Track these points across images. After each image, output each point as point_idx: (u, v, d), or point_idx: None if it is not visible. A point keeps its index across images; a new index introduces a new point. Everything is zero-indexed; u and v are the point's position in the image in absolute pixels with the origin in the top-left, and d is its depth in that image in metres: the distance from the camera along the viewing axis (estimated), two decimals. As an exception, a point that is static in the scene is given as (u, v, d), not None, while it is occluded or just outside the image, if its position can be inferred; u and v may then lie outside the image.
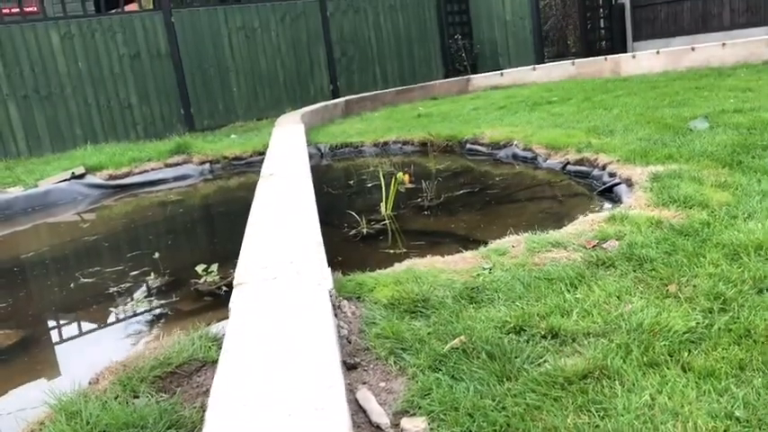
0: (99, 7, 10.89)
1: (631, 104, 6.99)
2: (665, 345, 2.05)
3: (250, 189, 4.67)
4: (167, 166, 7.88)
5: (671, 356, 2.00)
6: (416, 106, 10.34)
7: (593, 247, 2.99)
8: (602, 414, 1.76)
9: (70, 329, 3.58)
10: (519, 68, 11.93)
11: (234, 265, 2.92)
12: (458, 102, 10.22)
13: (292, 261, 2.83)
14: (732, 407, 1.73)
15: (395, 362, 2.19)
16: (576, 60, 11.51)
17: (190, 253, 4.95)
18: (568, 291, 2.55)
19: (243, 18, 11.35)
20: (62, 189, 7.07)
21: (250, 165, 7.83)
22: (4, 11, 10.26)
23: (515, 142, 6.29)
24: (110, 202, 6.97)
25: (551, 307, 2.41)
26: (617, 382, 1.89)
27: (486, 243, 3.32)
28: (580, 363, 2.01)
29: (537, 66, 11.81)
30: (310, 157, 6.67)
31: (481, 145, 6.75)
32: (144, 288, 3.93)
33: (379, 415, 1.90)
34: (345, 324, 2.52)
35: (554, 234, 3.24)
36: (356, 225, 4.47)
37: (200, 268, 3.71)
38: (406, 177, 5.13)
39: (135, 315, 3.54)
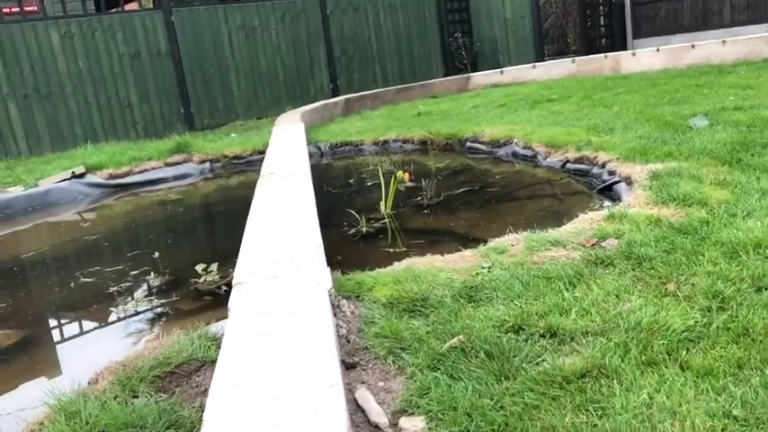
0: (99, 6, 10.88)
1: (631, 102, 6.99)
2: (663, 343, 2.06)
3: (250, 188, 4.67)
4: (167, 165, 7.88)
5: (669, 355, 2.00)
6: (416, 104, 10.33)
7: (593, 245, 3.00)
8: (600, 413, 1.76)
9: (70, 329, 3.59)
10: (519, 66, 11.92)
11: (234, 264, 2.92)
12: (458, 100, 10.21)
13: (292, 260, 2.83)
14: (730, 406, 1.73)
15: (393, 361, 2.20)
16: (576, 58, 11.50)
17: (190, 252, 4.96)
18: (567, 289, 2.56)
19: (243, 17, 11.34)
20: (62, 188, 7.07)
21: (250, 163, 7.83)
22: (4, 10, 10.24)
23: (515, 140, 6.29)
24: (110, 202, 6.97)
25: (550, 306, 2.41)
26: (615, 381, 1.89)
27: (485, 241, 3.32)
28: (578, 362, 2.01)
29: (537, 64, 11.80)
30: (310, 155, 6.67)
31: (481, 143, 6.75)
32: (144, 287, 3.94)
33: (378, 414, 1.90)
34: (344, 323, 2.52)
35: (553, 233, 3.24)
36: (356, 224, 4.47)
37: (199, 267, 3.72)
38: (406, 176, 5.13)
39: (135, 314, 3.55)
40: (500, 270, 2.83)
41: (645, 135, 5.21)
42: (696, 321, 2.17)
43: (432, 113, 9.07)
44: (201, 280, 3.68)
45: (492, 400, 1.87)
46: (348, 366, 2.22)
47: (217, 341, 2.53)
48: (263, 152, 6.93)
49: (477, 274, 2.81)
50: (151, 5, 11.25)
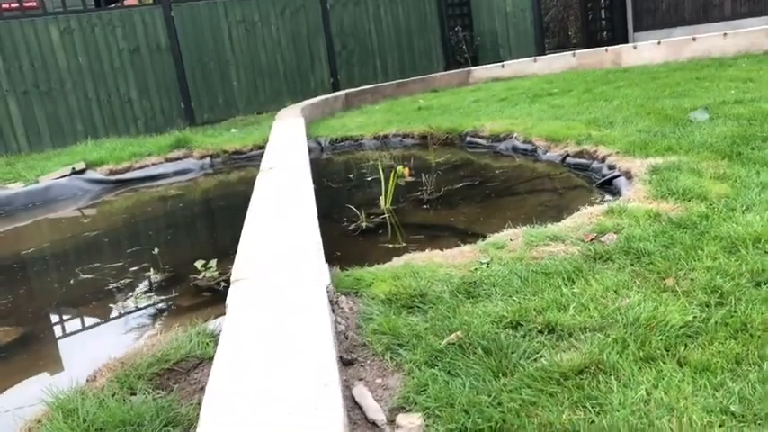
0: (98, 2, 10.90)
1: (632, 96, 6.97)
2: (661, 339, 2.05)
3: (250, 183, 4.66)
4: (168, 160, 7.88)
5: (667, 351, 2.00)
6: (417, 99, 10.31)
7: (592, 240, 2.99)
8: (597, 409, 1.76)
9: (69, 326, 3.59)
10: (520, 60, 11.89)
11: (233, 260, 2.92)
12: (458, 94, 10.19)
13: (290, 257, 2.83)
14: (728, 401, 1.72)
15: (391, 358, 2.19)
16: (577, 51, 11.47)
17: (190, 248, 4.95)
18: (566, 285, 2.55)
19: (242, 11, 11.31)
20: (62, 185, 7.08)
21: (250, 159, 7.82)
22: (4, 6, 10.24)
23: (515, 135, 6.27)
24: (110, 198, 6.97)
25: (548, 301, 2.41)
26: (613, 377, 1.89)
27: (484, 237, 3.32)
28: (576, 358, 2.00)
29: (538, 57, 11.77)
30: (310, 150, 6.67)
31: (481, 137, 6.73)
32: (143, 284, 3.94)
33: (375, 411, 1.90)
34: (343, 320, 2.52)
35: (552, 228, 3.24)
36: (355, 219, 4.47)
37: (199, 264, 3.72)
38: (406, 171, 5.12)
39: (134, 311, 3.55)
40: (499, 265, 2.82)
41: (645, 129, 5.20)
42: (695, 317, 2.17)
43: (432, 108, 9.06)
44: (201, 276, 3.68)
45: (489, 396, 1.87)
46: (346, 363, 2.22)
47: (215, 338, 2.53)
48: (263, 147, 6.92)
49: (476, 269, 2.81)
50: (150, 1, 11.21)
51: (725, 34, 9.55)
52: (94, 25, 10.04)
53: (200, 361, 2.44)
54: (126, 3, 11.19)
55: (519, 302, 2.44)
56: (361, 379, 2.12)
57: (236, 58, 11.31)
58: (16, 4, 10.20)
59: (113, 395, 2.19)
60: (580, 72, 10.33)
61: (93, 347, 3.18)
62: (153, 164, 7.77)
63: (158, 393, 2.22)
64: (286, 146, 6.20)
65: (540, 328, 2.23)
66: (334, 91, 11.97)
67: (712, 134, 4.61)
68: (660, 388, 1.81)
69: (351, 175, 6.46)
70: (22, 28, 9.49)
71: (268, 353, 1.95)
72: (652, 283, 2.49)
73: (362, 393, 2.00)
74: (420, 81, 11.87)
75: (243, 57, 11.38)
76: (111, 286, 3.94)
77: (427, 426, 1.79)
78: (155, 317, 3.45)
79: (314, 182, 4.43)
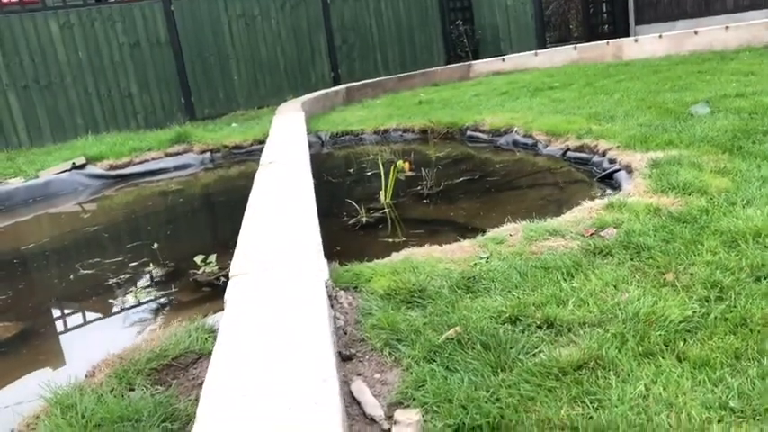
0: (98, -4, 10.87)
1: (633, 89, 6.95)
2: (660, 334, 2.04)
3: (250, 178, 4.66)
4: (168, 155, 7.87)
5: (666, 346, 1.99)
6: (418, 93, 10.29)
7: (591, 235, 2.98)
8: (596, 405, 1.75)
9: (69, 321, 3.59)
10: (521, 54, 11.86)
11: (233, 255, 2.91)
12: (459, 88, 10.17)
13: (289, 252, 2.82)
14: (727, 397, 1.72)
15: (390, 353, 2.19)
16: (578, 45, 11.44)
17: (190, 243, 4.95)
18: (565, 280, 2.54)
19: (243, 5, 11.28)
20: (63, 180, 7.07)
21: (250, 153, 7.81)
22: (3, 0, 10.22)
23: (516, 129, 6.26)
24: (110, 193, 6.97)
25: (547, 296, 2.40)
26: (612, 373, 1.88)
27: (484, 231, 3.31)
28: (575, 353, 2.00)
29: (539, 51, 11.74)
30: (311, 145, 6.66)
31: (482, 132, 6.72)
32: (143, 279, 3.94)
33: (374, 407, 1.90)
34: (342, 315, 2.51)
35: (552, 222, 3.22)
36: (355, 214, 4.46)
37: (198, 259, 3.71)
38: (406, 165, 5.11)
39: (133, 306, 3.54)
40: (498, 260, 2.81)
41: (646, 123, 5.18)
42: (694, 311, 2.16)
43: (433, 102, 9.04)
44: (200, 271, 3.68)
45: (488, 392, 1.86)
46: (344, 358, 2.22)
47: (214, 333, 2.53)
48: (263, 142, 6.91)
49: (476, 264, 2.80)
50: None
51: (726, 27, 9.52)
52: (94, 20, 10.02)
53: (198, 356, 2.44)
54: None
55: (518, 297, 2.43)
56: (359, 374, 2.11)
57: (237, 52, 11.29)
58: (16, -1, 10.20)
59: (112, 391, 2.19)
60: (581, 65, 10.31)
61: (93, 343, 3.18)
62: (153, 159, 7.76)
63: (157, 389, 2.22)
64: (286, 140, 6.19)
65: (538, 323, 2.23)
66: (334, 85, 11.95)
67: (713, 128, 4.59)
68: (659, 383, 1.80)
69: (351, 170, 6.45)
70: (22, 22, 9.47)
71: (266, 348, 1.94)
72: (652, 277, 2.48)
73: (361, 389, 1.99)
74: (421, 75, 11.84)
75: (243, 51, 11.35)
76: (110, 282, 3.94)
77: (425, 421, 1.79)
78: (154, 312, 3.45)
79: (314, 176, 4.43)
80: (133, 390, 2.21)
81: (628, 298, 2.31)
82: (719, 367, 1.85)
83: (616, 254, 2.73)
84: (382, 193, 4.73)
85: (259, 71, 11.55)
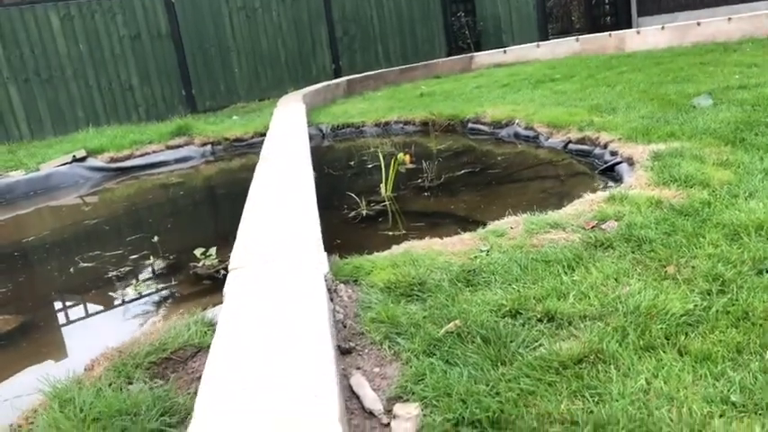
0: (98, -12, 10.80)
1: (635, 81, 6.92)
2: (661, 328, 2.03)
3: (251, 170, 4.64)
4: (169, 148, 7.86)
5: (667, 340, 1.97)
6: (419, 85, 10.26)
7: (592, 228, 2.96)
8: (596, 399, 1.74)
9: (68, 315, 3.58)
10: (522, 45, 11.82)
11: (233, 248, 2.90)
12: (461, 80, 10.13)
13: (289, 245, 2.81)
14: (728, 391, 1.70)
15: (389, 347, 2.18)
16: (581, 37, 11.39)
17: (190, 236, 4.93)
18: (566, 273, 2.53)
19: (243, -3, 11.26)
20: (63, 172, 7.06)
21: (251, 146, 7.79)
22: (3, -7, 10.19)
23: (517, 121, 6.23)
24: (111, 185, 6.95)
25: (548, 289, 2.39)
26: (612, 367, 1.87)
27: (485, 224, 3.29)
28: (575, 346, 1.98)
29: (541, 43, 11.70)
30: (311, 137, 6.64)
31: (483, 124, 6.69)
32: (143, 272, 3.93)
33: (373, 401, 1.89)
34: (341, 308, 2.50)
35: (553, 215, 3.21)
36: (356, 206, 4.45)
37: (198, 252, 3.70)
38: (407, 158, 5.09)
39: (133, 300, 3.53)
40: (498, 253, 2.80)
41: (648, 115, 5.16)
42: (696, 305, 2.14)
43: (434, 94, 9.01)
44: (200, 264, 3.67)
45: (487, 386, 1.85)
46: (344, 352, 2.20)
47: (213, 326, 2.51)
48: (264, 134, 6.89)
49: (476, 257, 2.79)
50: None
51: (729, 18, 9.47)
52: (94, 12, 9.98)
53: (198, 350, 2.42)
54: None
55: (518, 291, 2.41)
56: (358, 368, 2.10)
57: (238, 44, 11.25)
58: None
59: (110, 384, 2.18)
60: (583, 57, 10.26)
61: (92, 336, 3.17)
62: (154, 151, 7.75)
63: (155, 383, 2.21)
64: (287, 133, 6.17)
65: (539, 316, 2.21)
66: (335, 77, 11.92)
67: (716, 120, 4.57)
68: (660, 377, 1.79)
69: (352, 163, 6.43)
70: (22, 15, 9.44)
71: (265, 341, 1.93)
72: (653, 270, 2.47)
73: (360, 383, 1.98)
74: (422, 67, 11.80)
75: (244, 43, 11.32)
76: (110, 275, 3.94)
77: (424, 416, 1.78)
78: (153, 305, 3.44)
79: (314, 169, 4.41)
80: (132, 383, 2.20)
81: (629, 291, 2.30)
82: (721, 361, 1.83)
83: (617, 247, 2.72)
84: (383, 185, 4.72)
85: (260, 63, 11.51)
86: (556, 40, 11.87)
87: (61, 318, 3.56)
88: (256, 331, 2.02)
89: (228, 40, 11.16)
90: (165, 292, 3.62)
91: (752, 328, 1.97)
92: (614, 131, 4.80)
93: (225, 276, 2.62)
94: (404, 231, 3.88)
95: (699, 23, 9.74)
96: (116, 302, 3.56)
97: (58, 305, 3.75)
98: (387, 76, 11.41)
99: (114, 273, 3.95)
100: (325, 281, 2.48)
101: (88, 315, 3.53)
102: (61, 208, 6.37)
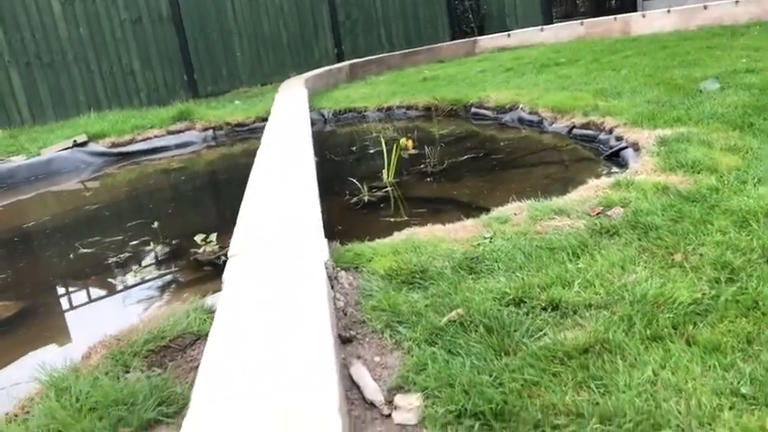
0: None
1: (640, 65, 6.83)
2: (669, 317, 1.98)
3: (252, 156, 4.60)
4: (170, 133, 7.80)
5: (675, 329, 1.93)
6: (422, 69, 10.18)
7: (598, 214, 2.91)
8: (602, 391, 1.70)
9: (68, 301, 3.55)
10: (526, 29, 11.71)
11: (233, 234, 2.86)
12: (464, 64, 10.05)
13: (289, 231, 2.77)
14: (738, 383, 1.66)
15: (390, 335, 2.14)
16: (585, 20, 11.27)
17: (191, 221, 4.89)
18: (570, 260, 2.48)
19: (245, -20, 11.15)
20: (65, 157, 7.02)
21: (253, 131, 7.73)
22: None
23: (521, 106, 6.17)
24: (112, 170, 6.91)
25: (552, 277, 2.34)
26: (618, 357, 1.83)
27: (488, 210, 3.25)
28: (581, 336, 1.94)
29: (545, 26, 11.59)
30: (313, 122, 6.59)
31: (486, 109, 6.63)
32: (143, 258, 3.89)
33: (374, 391, 1.85)
34: (342, 296, 2.46)
35: (557, 201, 3.16)
36: (358, 192, 4.40)
37: (199, 238, 3.67)
38: (410, 143, 5.05)
39: (132, 286, 3.50)
40: (502, 240, 2.75)
41: (654, 99, 5.09)
42: (704, 294, 2.10)
43: (438, 78, 8.93)
44: (201, 250, 3.63)
45: (491, 376, 1.81)
46: (344, 340, 2.17)
47: (213, 314, 2.47)
48: (266, 119, 6.83)
49: (479, 244, 2.74)
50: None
51: (737, 1, 9.35)
52: (95, -5, 9.90)
53: (197, 337, 2.39)
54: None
55: (522, 279, 2.37)
56: (359, 357, 2.07)
57: (239, 27, 11.16)
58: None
59: (107, 373, 2.14)
60: (588, 41, 10.16)
61: (90, 323, 3.14)
62: (155, 136, 7.69)
63: (153, 371, 2.18)
64: (289, 118, 6.11)
65: (543, 305, 2.17)
66: (338, 61, 11.83)
67: (723, 104, 4.50)
68: (668, 368, 1.75)
69: (353, 148, 6.37)
70: (23, -1, 9.37)
71: (264, 330, 1.90)
72: (660, 258, 2.42)
73: (360, 372, 1.95)
74: (426, 51, 11.71)
75: (246, 26, 11.22)
76: (110, 261, 3.90)
77: (426, 407, 1.74)
78: (153, 292, 3.41)
79: (316, 154, 4.36)
80: (129, 372, 2.17)
81: (635, 279, 2.25)
82: (730, 352, 1.79)
83: (623, 234, 2.67)
84: (385, 171, 4.66)
85: (262, 47, 11.42)
86: (560, 24, 11.76)
87: (60, 304, 3.54)
88: (255, 319, 1.98)
89: (230, 23, 11.07)
90: (165, 279, 3.58)
91: (762, 318, 1.92)
92: (619, 116, 4.74)
93: (225, 263, 2.58)
94: (406, 218, 3.84)
95: (705, 7, 9.63)
96: (115, 289, 3.53)
97: (57, 291, 3.72)
98: (389, 61, 11.32)
99: (114, 259, 3.92)
100: (326, 268, 2.44)
101: (87, 302, 3.50)
102: (62, 193, 6.33)
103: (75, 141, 7.17)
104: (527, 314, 2.13)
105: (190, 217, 5.09)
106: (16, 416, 2.05)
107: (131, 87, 10.30)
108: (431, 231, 2.98)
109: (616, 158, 4.27)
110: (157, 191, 6.00)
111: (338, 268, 2.65)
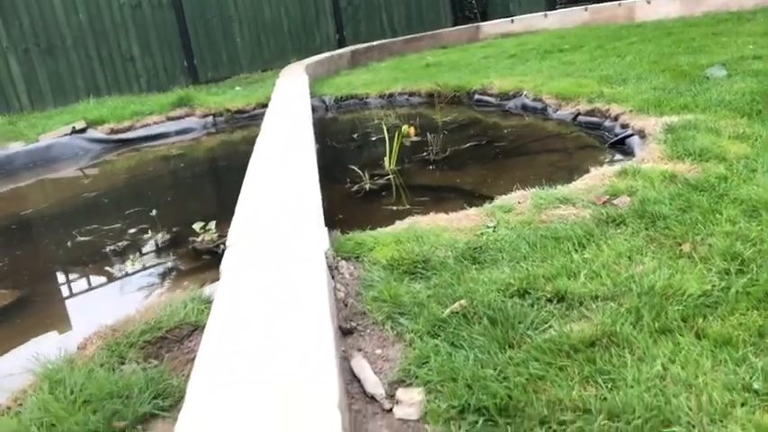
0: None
1: (645, 52, 6.75)
2: (678, 309, 1.93)
3: (252, 143, 4.54)
4: (169, 119, 7.73)
5: (684, 322, 1.88)
6: (425, 55, 10.09)
7: (604, 203, 2.86)
8: (610, 385, 1.65)
9: (65, 290, 3.51)
10: (530, 15, 11.61)
11: (231, 223, 2.81)
12: (468, 50, 9.96)
13: (289, 220, 2.72)
14: (750, 378, 1.61)
15: (392, 327, 2.09)
16: (590, 6, 11.16)
17: (190, 209, 4.84)
18: (576, 250, 2.43)
19: (245, -36, 11.03)
20: (63, 144, 6.96)
21: (253, 118, 7.66)
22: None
23: (525, 92, 6.09)
24: (111, 157, 6.85)
25: (558, 268, 2.29)
26: (626, 351, 1.78)
27: (491, 199, 3.19)
28: (587, 329, 1.89)
29: (549, 12, 11.49)
30: (314, 109, 6.52)
31: (490, 95, 6.55)
32: (141, 247, 3.84)
33: (375, 385, 1.80)
34: (342, 286, 2.41)
35: (562, 189, 3.10)
36: (359, 180, 4.34)
37: (197, 226, 3.61)
38: (412, 130, 4.99)
39: (130, 275, 3.45)
40: (506, 229, 2.70)
41: (659, 86, 5.02)
42: (713, 285, 2.04)
43: (440, 65, 8.85)
44: (200, 239, 3.58)
45: (495, 370, 1.76)
46: (345, 332, 2.12)
47: (211, 304, 2.43)
48: (266, 106, 6.76)
49: (482, 233, 2.69)
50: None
51: (743, -13, 9.24)
52: (94, -20, 9.80)
53: (194, 328, 2.34)
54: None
55: (527, 269, 2.32)
56: (360, 349, 2.02)
57: (240, 13, 11.05)
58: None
59: (102, 365, 2.10)
60: (592, 27, 10.07)
61: (87, 313, 3.09)
62: (155, 123, 7.62)
63: (150, 363, 2.14)
64: (289, 105, 6.05)
65: (548, 296, 2.12)
66: (339, 47, 11.73)
67: (730, 91, 4.43)
68: (677, 363, 1.70)
69: (355, 135, 6.30)
70: (21, -17, 9.27)
71: (263, 321, 1.85)
72: (668, 248, 2.36)
73: (361, 365, 1.90)
74: (428, 37, 11.61)
75: (246, 12, 11.11)
76: (108, 249, 3.85)
77: (428, 401, 1.69)
78: (151, 282, 3.36)
79: (317, 142, 4.31)
80: (125, 364, 2.12)
81: (643, 270, 2.20)
82: (742, 346, 1.74)
83: (630, 223, 2.61)
84: (387, 158, 4.60)
85: (263, 32, 11.32)
86: (564, 10, 11.65)
87: (57, 293, 3.49)
88: (253, 311, 1.93)
89: (230, 9, 10.96)
90: (163, 268, 3.53)
91: (774, 311, 1.87)
92: (625, 103, 4.67)
93: (224, 251, 2.53)
94: (408, 206, 3.78)
95: (711, -8, 9.52)
96: (113, 278, 3.48)
97: (54, 280, 3.68)
98: (391, 47, 11.22)
99: (112, 247, 3.87)
100: (326, 258, 2.39)
101: (84, 291, 3.46)
102: (60, 180, 6.28)
103: (73, 128, 7.11)
104: (532, 306, 2.08)
105: (189, 204, 5.03)
106: (9, 408, 2.01)
107: (131, 73, 10.21)
108: (433, 220, 2.93)
109: (621, 146, 4.21)
110: (156, 178, 5.95)
111: (339, 258, 2.60)
